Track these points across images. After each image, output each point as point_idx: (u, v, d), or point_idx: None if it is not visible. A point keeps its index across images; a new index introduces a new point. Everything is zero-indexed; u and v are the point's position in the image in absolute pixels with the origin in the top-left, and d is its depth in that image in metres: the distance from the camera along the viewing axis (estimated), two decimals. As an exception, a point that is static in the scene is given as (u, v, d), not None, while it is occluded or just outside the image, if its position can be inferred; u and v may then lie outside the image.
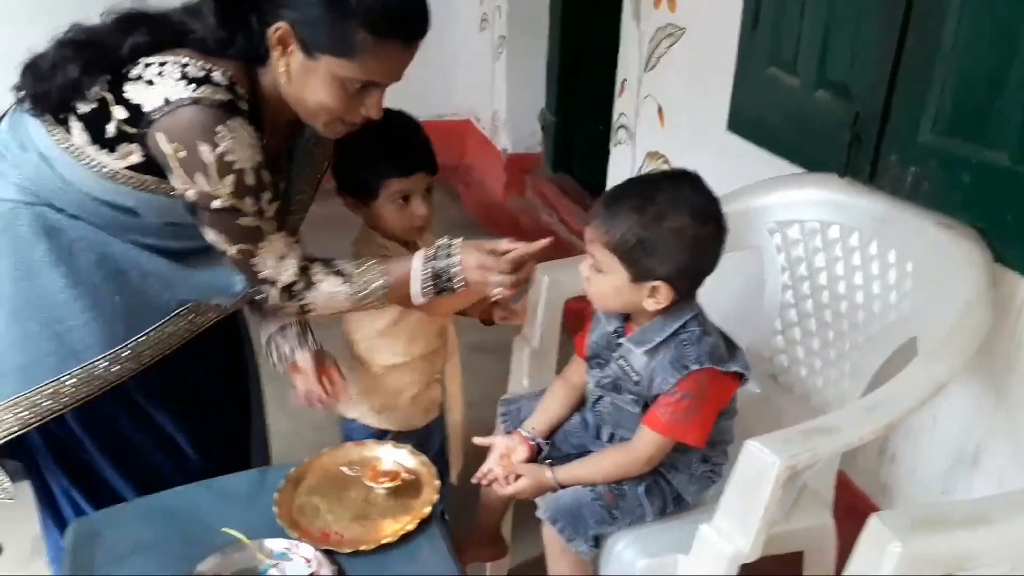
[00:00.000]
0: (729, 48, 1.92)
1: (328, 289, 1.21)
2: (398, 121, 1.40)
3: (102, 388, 1.22)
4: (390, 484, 1.24)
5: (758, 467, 1.05)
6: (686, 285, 1.18)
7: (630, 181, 1.21)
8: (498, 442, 1.33)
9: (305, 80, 1.13)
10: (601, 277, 1.19)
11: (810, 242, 1.52)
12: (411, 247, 1.48)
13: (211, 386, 1.44)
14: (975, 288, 1.21)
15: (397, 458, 1.31)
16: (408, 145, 1.38)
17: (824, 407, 1.46)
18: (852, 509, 1.48)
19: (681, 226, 1.13)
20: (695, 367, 1.16)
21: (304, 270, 1.21)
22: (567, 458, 1.33)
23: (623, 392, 1.24)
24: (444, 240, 1.24)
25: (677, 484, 1.25)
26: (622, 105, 2.58)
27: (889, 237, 1.40)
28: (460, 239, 1.24)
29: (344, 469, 1.28)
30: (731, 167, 2.00)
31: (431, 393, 1.56)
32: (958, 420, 1.45)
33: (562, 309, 1.56)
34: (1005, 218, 1.21)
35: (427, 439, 1.62)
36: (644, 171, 2.45)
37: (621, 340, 1.25)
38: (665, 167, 2.33)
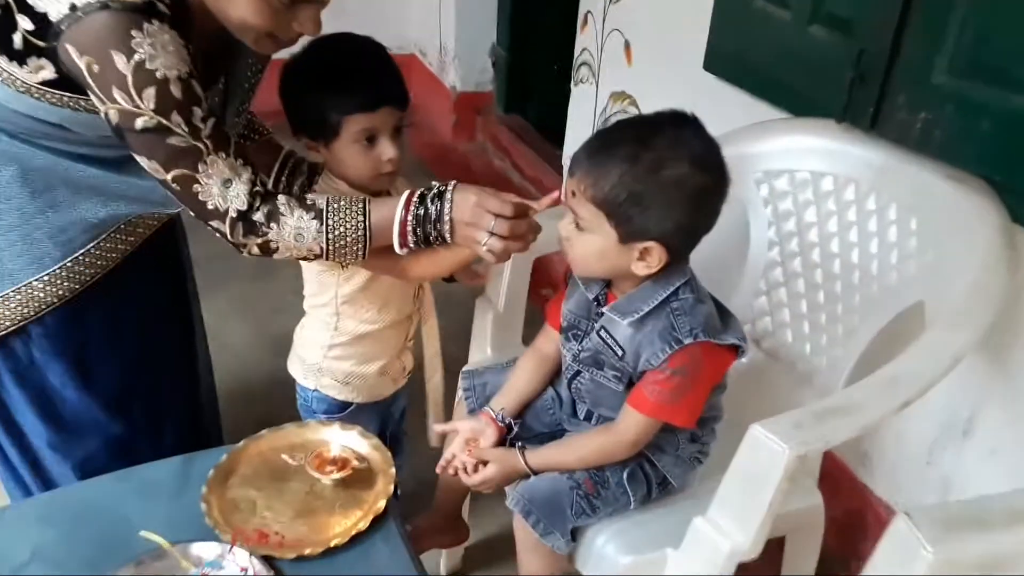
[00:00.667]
0: (707, -23, 1.74)
1: (294, 224, 1.05)
2: (359, 47, 1.21)
3: (42, 310, 1.17)
4: (339, 475, 1.08)
5: (764, 456, 0.92)
6: (681, 246, 1.03)
7: (619, 124, 1.04)
8: (462, 426, 1.18)
9: None
10: (584, 237, 1.04)
11: (800, 194, 1.39)
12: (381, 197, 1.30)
13: (152, 321, 1.35)
14: (992, 249, 1.09)
15: (346, 442, 1.14)
16: (372, 74, 1.18)
17: (812, 375, 1.35)
18: (830, 479, 1.38)
19: (680, 177, 0.97)
20: (688, 340, 1.02)
21: (263, 197, 1.05)
22: (538, 439, 1.20)
23: (604, 368, 1.10)
24: (436, 184, 1.07)
25: (663, 467, 1.12)
26: (584, 40, 2.39)
27: (890, 190, 1.27)
28: (454, 182, 1.07)
29: (285, 457, 1.12)
30: (708, 111, 1.80)
31: (402, 360, 1.40)
32: (948, 386, 1.34)
33: (531, 268, 1.40)
34: (1028, 171, 1.08)
35: (390, 408, 1.47)
36: (609, 113, 2.28)
37: (603, 309, 1.10)
38: (633, 109, 2.17)
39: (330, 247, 1.07)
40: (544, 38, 3.39)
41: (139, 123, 0.96)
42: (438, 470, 1.19)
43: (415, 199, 1.06)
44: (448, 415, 1.42)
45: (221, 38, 1.05)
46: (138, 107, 0.95)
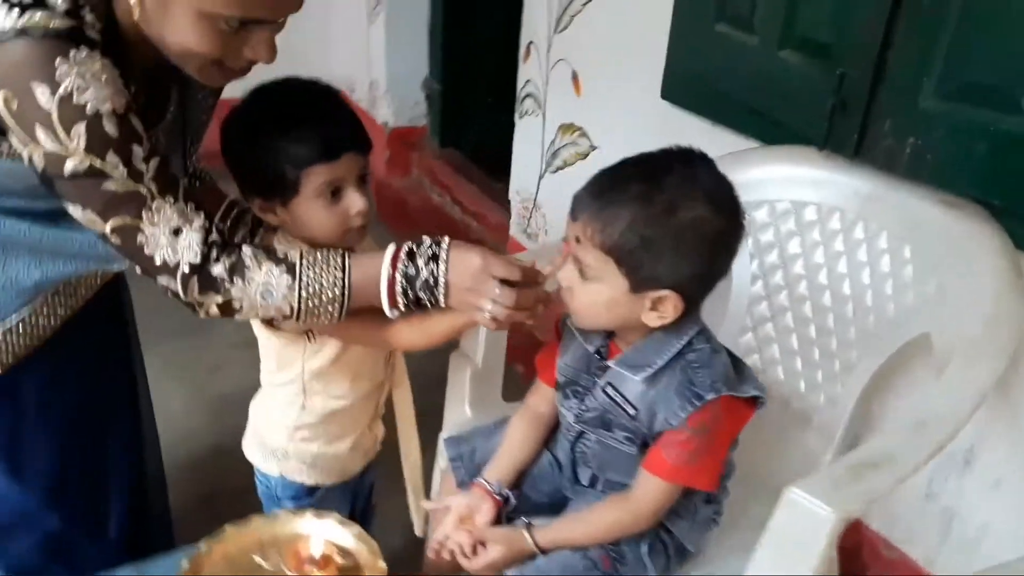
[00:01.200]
0: (661, 3, 1.69)
1: (262, 279, 0.92)
2: (309, 90, 1.08)
3: None
4: (321, 575, 0.95)
5: (806, 521, 0.84)
6: (697, 294, 0.95)
7: (624, 164, 0.96)
8: (455, 502, 1.06)
9: (162, 15, 0.86)
10: (589, 286, 0.94)
11: (782, 225, 1.34)
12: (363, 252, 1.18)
13: (94, 394, 1.20)
14: (1002, 277, 1.05)
15: (325, 534, 1.01)
16: (329, 119, 1.05)
17: (810, 412, 1.29)
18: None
19: (696, 219, 0.89)
20: (710, 396, 0.94)
21: (222, 248, 0.92)
22: (538, 509, 1.09)
23: (614, 428, 1.01)
24: (427, 239, 0.96)
25: (679, 533, 1.03)
26: (528, 71, 2.32)
27: (878, 218, 1.23)
28: (447, 238, 0.96)
29: (257, 559, 0.98)
30: (668, 141, 1.79)
31: (374, 432, 1.27)
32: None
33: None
34: (1031, 195, 1.05)
35: (361, 483, 1.33)
36: (559, 145, 2.22)
37: (608, 363, 1.01)
38: (584, 141, 2.10)
39: (302, 306, 0.94)
40: (478, 70, 3.33)
41: (69, 167, 0.83)
42: (431, 554, 1.07)
43: (403, 255, 0.94)
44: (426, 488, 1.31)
45: (165, 67, 0.93)
46: (66, 147, 0.83)
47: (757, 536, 1.15)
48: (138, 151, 0.87)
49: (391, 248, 0.96)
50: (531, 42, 2.27)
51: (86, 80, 0.82)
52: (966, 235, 1.11)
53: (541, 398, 1.13)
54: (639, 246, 0.89)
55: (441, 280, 0.93)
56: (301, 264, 0.93)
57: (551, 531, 1.01)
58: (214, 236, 0.92)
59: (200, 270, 0.90)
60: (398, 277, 0.93)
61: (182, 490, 1.85)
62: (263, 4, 0.86)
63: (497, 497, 1.06)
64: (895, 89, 1.16)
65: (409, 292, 0.94)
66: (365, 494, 1.37)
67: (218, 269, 0.91)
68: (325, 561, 0.96)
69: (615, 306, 0.94)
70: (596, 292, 0.94)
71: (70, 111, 0.81)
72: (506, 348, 1.32)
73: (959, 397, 0.95)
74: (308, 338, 1.08)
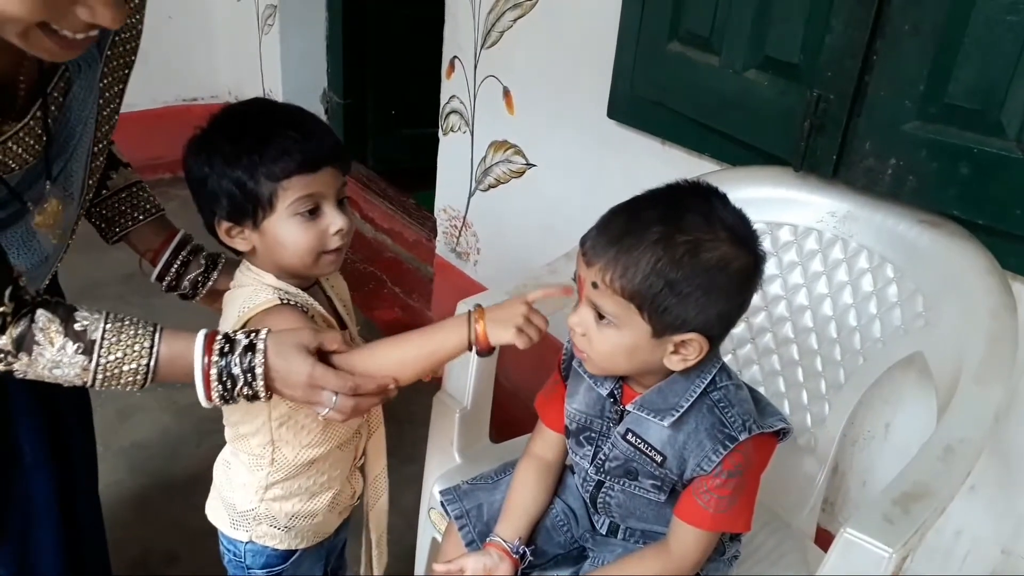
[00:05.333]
0: (605, 18, 1.67)
1: (52, 356, 0.84)
2: (280, 106, 1.03)
3: None
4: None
5: (864, 562, 0.82)
6: (721, 332, 0.91)
7: (637, 202, 0.90)
8: (470, 563, 0.98)
9: None
10: (607, 332, 0.89)
11: (758, 246, 1.33)
12: (317, 293, 1.08)
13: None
14: (994, 294, 1.07)
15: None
16: (306, 129, 0.97)
17: (797, 435, 1.29)
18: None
19: (722, 258, 0.85)
20: (744, 436, 0.90)
21: (15, 316, 0.83)
22: (554, 562, 1.03)
23: (640, 477, 0.96)
24: (240, 333, 0.90)
25: (706, 574, 1.00)
26: (452, 87, 2.24)
27: (857, 239, 1.24)
28: (266, 331, 0.90)
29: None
30: (615, 159, 1.78)
31: (352, 485, 1.17)
32: (917, 428, 1.34)
33: (496, 356, 1.23)
34: (1014, 213, 1.08)
35: (334, 544, 1.23)
36: (491, 163, 2.15)
37: (627, 407, 0.96)
38: (519, 159, 2.05)
39: (96, 385, 0.87)
40: (381, 82, 3.23)
41: None
42: (447, 622, 0.99)
43: (217, 344, 0.88)
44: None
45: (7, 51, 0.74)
46: None
47: (767, 567, 1.14)
48: None
49: (203, 333, 0.89)
50: (455, 57, 2.20)
51: None
52: (952, 254, 1.13)
53: (546, 444, 1.06)
54: (664, 291, 0.85)
55: (259, 383, 0.88)
56: (101, 345, 0.85)
57: (585, 589, 0.95)
58: (3, 306, 0.82)
59: None
60: (213, 369, 0.88)
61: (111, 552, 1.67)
62: None
63: (515, 556, 0.99)
64: (876, 111, 1.17)
65: (227, 383, 0.88)
66: (337, 552, 1.26)
67: (3, 340, 0.83)
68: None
69: (636, 352, 0.89)
70: (617, 338, 0.89)
71: None
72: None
73: (978, 418, 0.96)
74: None
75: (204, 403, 0.90)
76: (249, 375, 0.88)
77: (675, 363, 0.90)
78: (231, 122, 0.99)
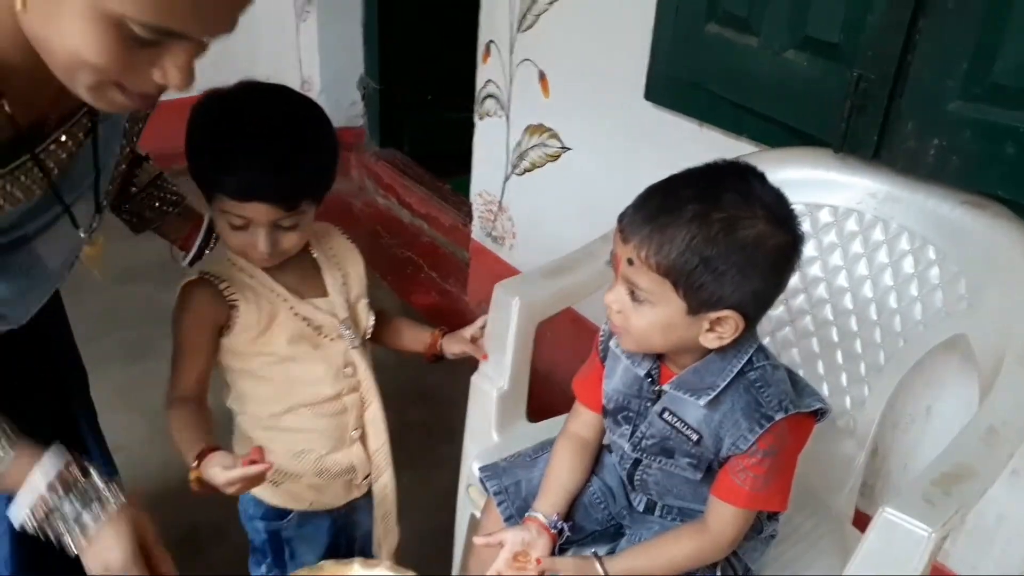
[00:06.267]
0: (640, 3, 1.66)
1: None
2: (264, 114, 0.99)
3: None
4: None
5: (904, 541, 0.82)
6: (758, 311, 0.92)
7: (675, 180, 0.91)
8: (509, 538, 1.00)
9: (49, 10, 0.65)
10: (643, 309, 0.90)
11: (796, 228, 1.32)
12: (302, 261, 1.12)
13: None
14: (1040, 275, 1.06)
15: (380, 584, 0.94)
16: (252, 158, 0.95)
17: (836, 417, 1.28)
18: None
19: (759, 236, 0.86)
20: (780, 416, 0.90)
21: None
22: (592, 538, 1.04)
23: (676, 455, 0.96)
24: (96, 479, 0.83)
25: (745, 555, 1.00)
26: (489, 72, 2.25)
27: (898, 220, 1.23)
28: (115, 505, 0.82)
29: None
30: (652, 142, 1.78)
31: (346, 456, 1.19)
32: (959, 411, 1.33)
33: (533, 336, 1.24)
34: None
35: (350, 520, 1.25)
36: (526, 147, 2.16)
37: (664, 387, 0.96)
38: (555, 143, 2.06)
39: None
40: (416, 67, 3.24)
41: None
42: (482, 594, 1.01)
43: (70, 476, 0.81)
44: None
45: (47, 82, 0.71)
46: None
47: (804, 551, 1.15)
48: None
49: (59, 461, 0.82)
50: (491, 41, 2.20)
51: None
52: (997, 235, 1.12)
53: (584, 423, 1.08)
54: (699, 267, 0.85)
55: (79, 541, 0.81)
56: None
57: (622, 561, 0.96)
58: None
59: None
60: (47, 503, 0.80)
61: (156, 529, 1.72)
62: (193, 15, 0.65)
63: (553, 531, 1.00)
64: (918, 91, 1.15)
65: (54, 524, 0.81)
66: (354, 535, 1.29)
67: None
68: (385, 619, 0.88)
69: (671, 329, 0.90)
70: (652, 315, 0.89)
71: None
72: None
73: (1020, 402, 0.95)
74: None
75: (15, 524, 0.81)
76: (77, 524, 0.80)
77: (711, 341, 0.90)
78: (216, 104, 1.00)
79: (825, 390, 1.30)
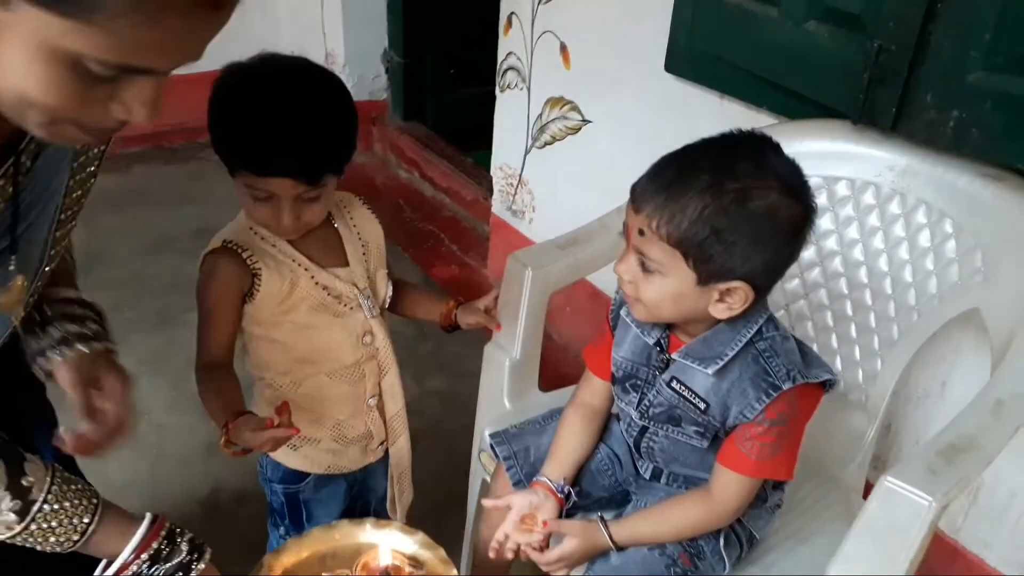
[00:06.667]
0: (662, -28, 1.65)
1: None
2: (289, 88, 0.98)
3: None
4: (396, 589, 0.90)
5: (905, 510, 0.82)
6: (768, 282, 0.92)
7: (688, 150, 0.91)
8: (517, 501, 1.02)
9: None
10: (653, 279, 0.90)
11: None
12: (324, 229, 1.13)
13: None
14: (1057, 251, 1.05)
15: (390, 542, 0.96)
16: (277, 135, 0.96)
17: (847, 389, 1.28)
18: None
19: (771, 207, 0.86)
20: (787, 385, 0.91)
21: None
22: (598, 504, 1.06)
23: (683, 423, 0.97)
24: (187, 541, 0.84)
25: (750, 523, 1.02)
26: (510, 44, 2.24)
27: (916, 193, 1.22)
28: (207, 555, 0.85)
29: (327, 577, 0.92)
30: (673, 114, 1.77)
31: (363, 421, 1.21)
32: (973, 386, 1.32)
33: (546, 307, 1.25)
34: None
35: (363, 487, 1.28)
36: (547, 119, 2.16)
37: (673, 356, 0.97)
38: (575, 115, 2.05)
39: (18, 538, 0.78)
40: (439, 41, 3.24)
41: None
42: (492, 554, 1.03)
43: (153, 547, 0.81)
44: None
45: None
46: None
47: (811, 520, 1.15)
48: None
49: (143, 529, 0.82)
50: (512, 13, 2.20)
51: None
52: (1017, 208, 1.10)
53: (593, 391, 1.09)
54: (709, 237, 0.85)
55: None
56: (40, 510, 0.76)
57: (627, 526, 0.97)
58: None
59: None
60: (143, 559, 0.81)
61: (178, 493, 1.77)
62: (160, 50, 0.57)
63: (560, 495, 1.02)
64: (939, 62, 1.14)
65: None
66: (368, 499, 1.32)
67: None
68: (397, 572, 0.91)
69: (681, 299, 0.91)
70: (662, 285, 0.90)
71: None
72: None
73: (1030, 374, 0.95)
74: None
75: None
76: None
77: (720, 311, 0.91)
78: (241, 77, 0.99)
79: (838, 363, 1.30)
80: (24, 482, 0.75)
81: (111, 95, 0.60)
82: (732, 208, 0.85)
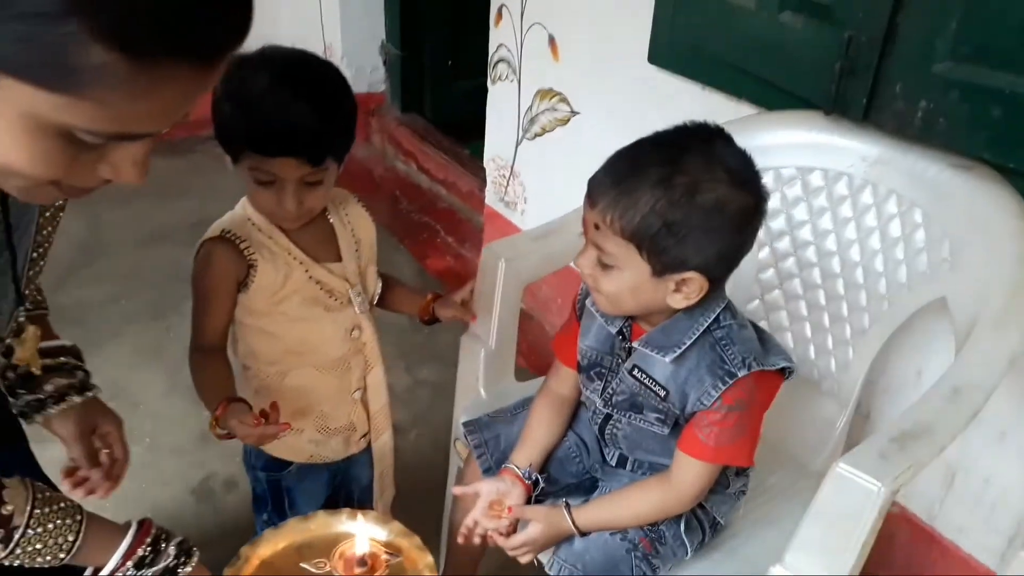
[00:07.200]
0: (644, -36, 1.65)
1: None
2: (298, 73, 1.01)
3: None
4: (372, 577, 0.92)
5: (855, 496, 0.84)
6: (722, 272, 0.93)
7: (641, 144, 0.93)
8: (485, 488, 1.04)
9: None
10: (612, 274, 0.92)
11: (788, 192, 1.32)
12: (319, 224, 1.14)
13: None
14: (1021, 239, 1.05)
15: (366, 531, 0.98)
16: (281, 115, 0.97)
17: (820, 380, 1.30)
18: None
19: (720, 199, 0.87)
20: (742, 372, 0.93)
21: None
22: (566, 490, 1.08)
23: (645, 411, 0.99)
24: (174, 545, 0.85)
25: (712, 508, 1.03)
26: (500, 36, 2.25)
27: (887, 183, 1.23)
28: (195, 558, 0.86)
29: (306, 567, 0.94)
30: (656, 105, 1.78)
31: (346, 414, 1.24)
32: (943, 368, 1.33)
33: (520, 297, 1.27)
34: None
35: (348, 474, 1.31)
36: (537, 111, 2.17)
37: (633, 344, 0.99)
38: (564, 107, 2.06)
39: (4, 562, 0.78)
40: (437, 34, 3.25)
41: None
42: (460, 540, 1.05)
43: (138, 554, 0.83)
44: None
45: None
46: None
47: (778, 506, 1.17)
48: None
49: (131, 535, 0.83)
50: (503, 5, 2.20)
51: None
52: (981, 198, 1.11)
53: (562, 380, 1.11)
54: (662, 231, 0.87)
55: None
56: (23, 535, 0.76)
57: (589, 511, 0.99)
58: None
59: None
60: (129, 565, 0.82)
61: (171, 480, 1.80)
62: (152, 117, 0.54)
63: (528, 482, 1.04)
64: (907, 52, 1.14)
65: None
66: (350, 489, 1.34)
67: None
68: (374, 560, 0.93)
69: (639, 291, 0.92)
70: (619, 279, 0.92)
71: None
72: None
73: (991, 363, 0.96)
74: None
75: None
76: None
77: (677, 301, 0.92)
78: (252, 62, 1.00)
79: (811, 352, 1.31)
80: (4, 511, 0.74)
81: (99, 158, 0.58)
82: (682, 201, 0.86)
